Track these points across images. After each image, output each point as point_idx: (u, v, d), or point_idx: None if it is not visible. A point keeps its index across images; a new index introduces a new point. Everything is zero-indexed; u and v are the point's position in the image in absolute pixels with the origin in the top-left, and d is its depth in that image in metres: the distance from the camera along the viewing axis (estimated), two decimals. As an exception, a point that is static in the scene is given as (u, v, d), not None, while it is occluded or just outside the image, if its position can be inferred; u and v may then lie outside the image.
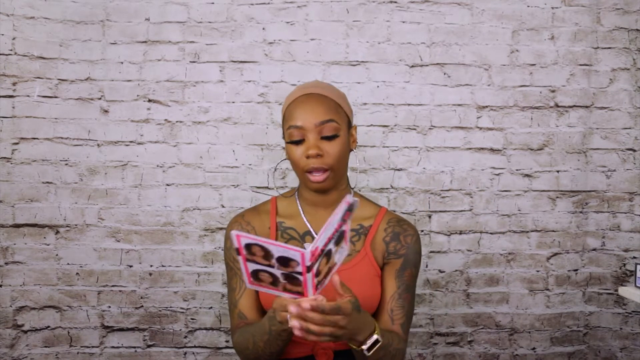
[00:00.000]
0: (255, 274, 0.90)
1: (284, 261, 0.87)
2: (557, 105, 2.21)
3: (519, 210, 2.22)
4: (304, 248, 1.03)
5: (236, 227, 1.27)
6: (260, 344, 1.12)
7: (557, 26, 2.20)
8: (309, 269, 0.87)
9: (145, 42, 2.15)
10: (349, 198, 0.91)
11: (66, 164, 2.15)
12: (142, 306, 2.17)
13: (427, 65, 2.19)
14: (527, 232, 2.22)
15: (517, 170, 2.21)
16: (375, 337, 1.02)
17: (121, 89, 2.16)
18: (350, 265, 1.21)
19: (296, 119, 1.16)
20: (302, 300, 0.90)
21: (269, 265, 0.88)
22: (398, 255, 1.24)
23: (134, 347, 2.17)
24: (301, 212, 1.27)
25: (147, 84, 2.16)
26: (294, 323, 0.90)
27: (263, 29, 2.16)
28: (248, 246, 0.86)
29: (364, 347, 1.02)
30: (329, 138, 1.16)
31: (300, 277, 0.89)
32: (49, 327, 2.16)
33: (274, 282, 0.91)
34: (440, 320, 2.21)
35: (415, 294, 1.29)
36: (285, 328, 1.00)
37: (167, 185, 2.17)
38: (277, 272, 0.89)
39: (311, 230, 1.25)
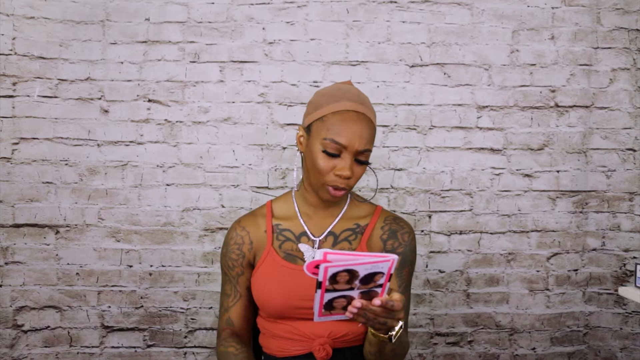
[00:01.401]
0: (329, 303, 0.88)
1: (368, 278, 0.85)
2: (557, 105, 2.21)
3: (519, 210, 2.22)
4: (298, 246, 1.03)
5: (232, 234, 1.29)
6: None
7: (557, 26, 2.20)
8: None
9: (145, 42, 2.15)
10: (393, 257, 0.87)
11: (66, 164, 2.15)
12: (142, 306, 2.17)
13: (427, 65, 2.19)
14: (527, 232, 2.22)
15: (517, 170, 2.21)
16: (400, 323, 1.03)
17: (121, 89, 2.16)
18: None
19: (341, 136, 1.14)
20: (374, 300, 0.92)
21: (350, 289, 0.87)
22: (396, 253, 1.25)
23: (134, 347, 2.17)
24: (298, 214, 1.28)
25: (147, 84, 2.16)
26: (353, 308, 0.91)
27: (263, 29, 2.16)
28: (333, 276, 0.82)
29: (392, 333, 1.02)
30: (361, 163, 1.17)
31: (379, 290, 0.89)
32: (49, 327, 2.16)
33: (347, 304, 0.90)
34: (441, 320, 2.21)
35: (410, 291, 1.31)
36: None
37: (167, 185, 2.17)
38: (356, 293, 0.88)
39: (307, 231, 1.26)
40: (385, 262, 0.83)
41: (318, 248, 1.24)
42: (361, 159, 1.17)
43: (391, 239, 1.26)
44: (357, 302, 0.89)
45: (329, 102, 1.18)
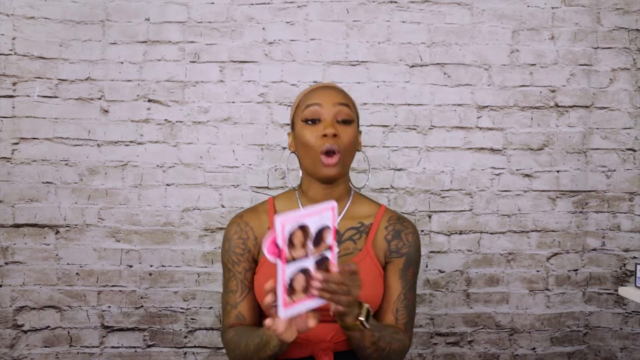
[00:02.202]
0: (290, 286, 0.89)
1: (318, 238, 0.92)
2: (557, 105, 2.21)
3: (519, 210, 2.22)
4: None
5: (235, 229, 1.26)
6: (251, 346, 1.11)
7: (557, 26, 2.20)
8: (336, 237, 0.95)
9: (145, 42, 2.15)
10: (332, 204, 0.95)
11: (66, 164, 2.15)
12: (142, 306, 2.17)
13: (427, 65, 2.19)
14: (527, 232, 2.22)
15: (517, 170, 2.21)
16: (365, 305, 1.05)
17: (121, 89, 2.16)
18: (356, 262, 1.20)
19: (314, 98, 1.20)
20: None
21: (305, 256, 0.91)
22: (400, 254, 1.24)
23: (134, 347, 2.17)
24: (301, 209, 1.23)
25: (147, 84, 2.16)
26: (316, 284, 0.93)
27: (263, 29, 2.16)
28: (290, 238, 0.87)
29: (361, 317, 1.02)
30: (344, 123, 1.19)
31: (329, 254, 0.94)
32: (49, 327, 2.16)
33: (307, 286, 0.92)
34: (440, 321, 2.21)
35: (416, 292, 1.30)
36: (278, 343, 1.03)
37: (167, 185, 2.17)
38: (311, 262, 0.92)
39: None
40: (327, 210, 0.92)
41: None
42: (343, 118, 1.19)
43: (395, 239, 1.25)
44: (318, 275, 0.92)
45: (302, 93, 1.28)
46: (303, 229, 0.89)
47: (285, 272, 0.88)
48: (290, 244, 0.88)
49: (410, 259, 1.25)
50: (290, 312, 0.90)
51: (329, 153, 1.16)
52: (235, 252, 1.24)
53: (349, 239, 1.23)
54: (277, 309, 0.89)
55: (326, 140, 1.16)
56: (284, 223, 0.86)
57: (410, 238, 1.26)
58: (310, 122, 1.19)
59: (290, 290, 0.89)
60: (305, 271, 0.91)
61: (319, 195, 1.24)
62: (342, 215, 1.25)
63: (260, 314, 1.26)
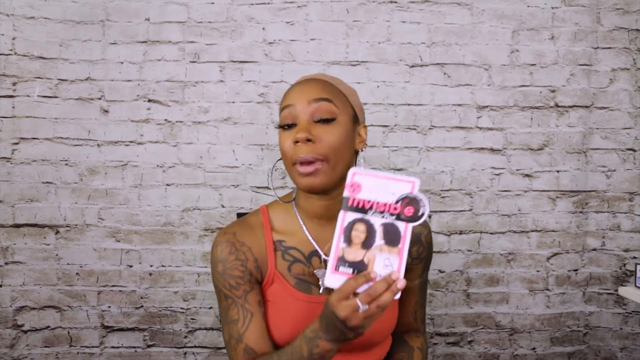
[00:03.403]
0: (348, 230, 0.84)
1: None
2: (557, 105, 2.21)
3: (519, 210, 2.22)
4: (312, 272, 0.95)
5: (229, 249, 1.03)
6: None
7: (557, 26, 2.20)
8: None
9: (145, 42, 2.15)
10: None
11: (66, 164, 2.15)
12: (142, 306, 2.17)
13: (427, 65, 2.19)
14: (527, 232, 2.22)
15: (517, 170, 2.21)
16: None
17: (121, 89, 2.16)
18: None
19: (288, 98, 1.00)
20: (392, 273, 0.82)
21: (370, 208, 0.84)
22: (421, 259, 1.13)
23: (134, 347, 2.17)
24: (303, 227, 1.05)
25: (147, 84, 2.16)
26: (362, 303, 0.81)
27: (263, 29, 2.17)
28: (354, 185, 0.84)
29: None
30: (323, 121, 0.97)
31: (402, 229, 0.84)
32: (49, 327, 2.16)
33: (368, 241, 0.84)
34: (440, 320, 2.21)
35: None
36: (332, 348, 0.87)
37: (167, 185, 2.17)
38: (378, 220, 0.84)
39: (318, 249, 1.04)
40: (408, 182, 0.84)
41: None
42: (322, 117, 0.97)
43: (416, 244, 1.11)
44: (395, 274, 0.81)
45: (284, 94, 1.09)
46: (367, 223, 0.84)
47: (346, 219, 0.84)
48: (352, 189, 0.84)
49: (428, 260, 1.15)
50: (337, 279, 0.83)
51: (304, 163, 0.96)
52: (232, 275, 1.01)
53: None
54: (324, 275, 0.84)
55: (299, 149, 0.96)
56: (355, 173, 0.84)
57: (428, 238, 1.13)
58: (286, 127, 0.99)
59: (346, 239, 0.83)
60: (369, 224, 0.84)
61: (316, 209, 1.03)
62: None
63: (269, 334, 1.03)
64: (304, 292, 1.01)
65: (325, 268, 1.00)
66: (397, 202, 0.84)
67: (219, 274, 1.03)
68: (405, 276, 1.02)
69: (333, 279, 0.83)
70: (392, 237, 0.84)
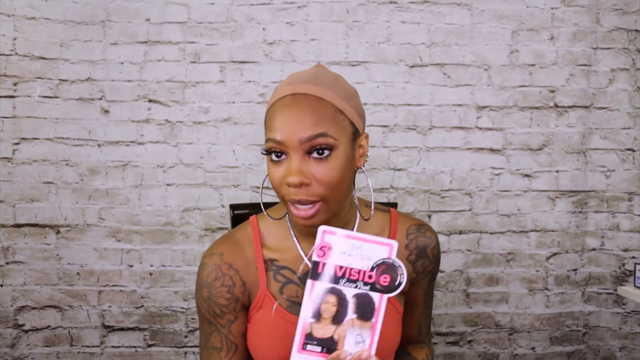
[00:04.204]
0: (317, 303, 0.77)
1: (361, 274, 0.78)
2: (556, 106, 2.22)
3: (519, 210, 2.22)
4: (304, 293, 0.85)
5: (215, 274, 0.94)
6: None
7: (557, 26, 2.20)
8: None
9: (145, 42, 2.16)
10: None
11: (67, 164, 2.16)
12: (142, 306, 2.18)
13: (427, 66, 2.19)
14: (527, 232, 2.22)
15: (516, 170, 2.22)
16: None
17: (122, 89, 2.16)
18: None
19: (275, 130, 0.85)
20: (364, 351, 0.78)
21: (342, 277, 0.78)
22: (426, 273, 1.03)
23: (135, 347, 2.18)
24: (297, 244, 0.95)
25: (148, 84, 2.16)
26: None
27: (263, 29, 2.17)
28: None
29: None
30: (318, 153, 0.84)
31: (376, 301, 0.77)
32: (49, 326, 2.16)
33: (339, 316, 0.78)
34: (440, 320, 2.22)
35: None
36: None
37: (168, 185, 2.18)
38: (350, 291, 0.78)
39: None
40: (385, 245, 0.77)
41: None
42: (318, 148, 0.83)
43: (421, 258, 1.01)
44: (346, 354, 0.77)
45: (271, 98, 0.91)
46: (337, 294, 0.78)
47: (314, 289, 0.77)
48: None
49: (435, 272, 1.04)
50: (302, 358, 0.78)
51: (301, 205, 0.85)
52: (217, 302, 0.94)
53: None
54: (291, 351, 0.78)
55: (292, 191, 0.84)
56: (325, 232, 0.77)
57: (435, 251, 1.02)
58: (274, 157, 0.86)
59: (315, 315, 0.77)
60: (340, 296, 0.78)
61: (309, 229, 0.91)
62: None
63: None
64: (297, 315, 0.88)
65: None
66: (372, 268, 0.78)
67: (204, 299, 0.95)
68: (410, 289, 1.02)
69: (298, 358, 0.77)
70: (365, 310, 0.78)
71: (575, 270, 2.24)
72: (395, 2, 2.18)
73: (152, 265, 2.18)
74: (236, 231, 0.99)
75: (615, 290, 2.22)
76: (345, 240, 0.77)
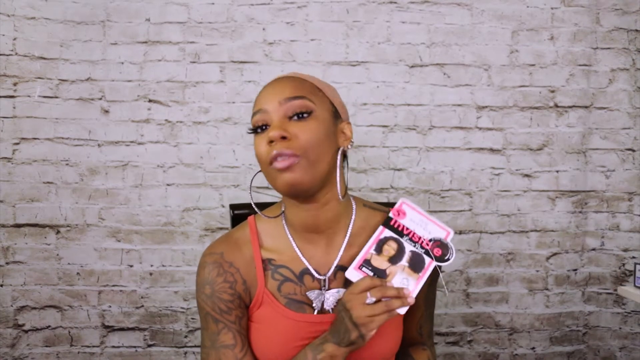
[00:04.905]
0: (382, 242, 0.94)
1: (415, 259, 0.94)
2: (556, 106, 2.22)
3: (519, 210, 2.22)
4: (304, 291, 0.96)
5: (216, 270, 0.97)
6: None
7: (557, 26, 2.21)
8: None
9: (145, 42, 2.16)
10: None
11: (67, 164, 2.16)
12: (142, 306, 2.18)
13: (427, 66, 2.19)
14: (527, 232, 2.22)
15: (516, 170, 2.22)
16: None
17: (122, 89, 2.16)
18: None
19: (258, 103, 0.93)
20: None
21: (406, 235, 0.96)
22: None
23: (135, 347, 2.18)
24: (292, 243, 0.98)
25: (148, 84, 2.17)
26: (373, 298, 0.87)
27: (263, 29, 2.17)
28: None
29: None
30: (299, 117, 0.90)
31: (426, 262, 0.93)
32: (49, 326, 2.16)
33: (395, 258, 0.93)
34: (440, 320, 2.22)
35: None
36: (337, 353, 0.88)
37: (168, 185, 2.18)
38: (409, 246, 0.94)
39: (309, 267, 0.97)
40: (445, 230, 0.96)
41: (327, 289, 0.97)
42: (296, 112, 0.90)
43: None
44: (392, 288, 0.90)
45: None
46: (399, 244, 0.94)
47: (383, 233, 0.94)
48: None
49: (436, 275, 1.03)
50: (357, 276, 0.91)
51: (279, 157, 0.90)
52: (222, 298, 0.95)
53: None
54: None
55: (273, 147, 0.89)
56: (404, 203, 0.96)
57: None
58: (259, 131, 0.93)
59: (378, 249, 0.93)
60: (401, 246, 0.94)
61: (303, 219, 0.96)
62: (345, 243, 0.98)
63: None
64: (296, 312, 0.95)
65: (319, 288, 0.97)
66: (430, 240, 0.94)
67: (207, 297, 0.96)
68: None
69: (353, 273, 0.92)
70: (416, 264, 0.92)
71: (575, 270, 2.24)
72: (395, 2, 2.18)
73: (152, 265, 2.18)
74: (235, 231, 1.02)
75: (615, 290, 2.22)
76: (417, 215, 0.96)
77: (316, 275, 0.97)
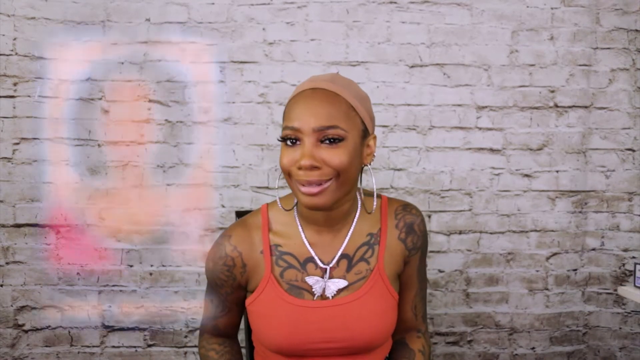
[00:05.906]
0: None
1: None
2: (556, 106, 2.22)
3: (519, 210, 2.22)
4: (304, 278, 0.99)
5: (220, 251, 1.07)
6: None
7: (557, 26, 2.21)
8: None
9: (145, 42, 2.16)
10: None
11: (67, 164, 2.16)
12: (142, 306, 2.18)
13: (427, 66, 2.19)
14: (527, 232, 2.22)
15: (516, 170, 2.22)
16: None
17: (122, 89, 2.16)
18: (365, 291, 1.04)
19: (292, 119, 0.94)
20: None
21: None
22: (417, 249, 1.10)
23: (135, 347, 2.18)
24: (301, 232, 1.05)
25: (148, 84, 2.17)
26: None
27: (263, 29, 2.17)
28: None
29: None
30: (331, 142, 0.93)
31: None
32: (49, 326, 2.16)
33: None
34: (440, 320, 2.22)
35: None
36: None
37: (168, 185, 2.18)
38: None
39: (314, 256, 1.03)
40: None
41: (329, 277, 1.03)
42: (330, 138, 0.93)
43: (410, 234, 1.09)
44: None
45: (289, 98, 1.02)
46: None
47: None
48: None
49: (425, 249, 1.12)
50: None
51: (309, 185, 0.94)
52: (219, 277, 1.07)
53: (361, 259, 1.05)
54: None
55: (303, 175, 0.93)
56: None
57: (422, 227, 1.10)
58: (289, 143, 0.95)
59: None
60: None
61: (316, 217, 1.02)
62: (349, 235, 1.05)
63: (239, 323, 1.17)
64: (296, 297, 1.02)
65: (322, 276, 1.02)
66: None
67: (209, 270, 1.09)
68: (404, 269, 1.11)
69: None
70: None
71: (575, 270, 2.24)
72: (395, 2, 2.18)
73: (152, 265, 2.18)
74: (249, 217, 1.10)
75: (615, 290, 2.22)
76: None
77: (320, 263, 1.03)
